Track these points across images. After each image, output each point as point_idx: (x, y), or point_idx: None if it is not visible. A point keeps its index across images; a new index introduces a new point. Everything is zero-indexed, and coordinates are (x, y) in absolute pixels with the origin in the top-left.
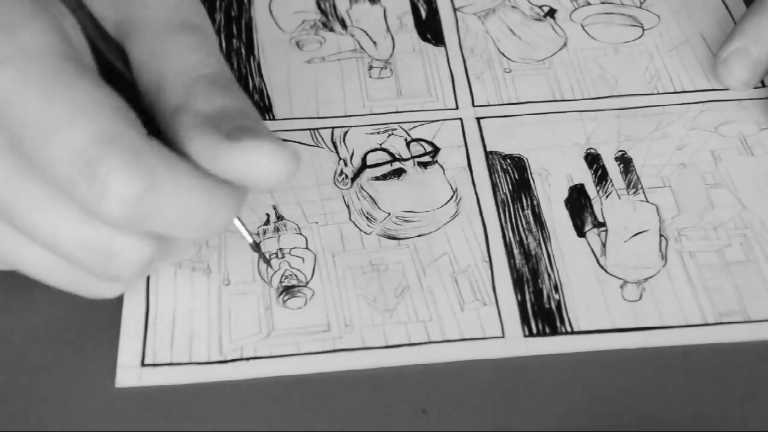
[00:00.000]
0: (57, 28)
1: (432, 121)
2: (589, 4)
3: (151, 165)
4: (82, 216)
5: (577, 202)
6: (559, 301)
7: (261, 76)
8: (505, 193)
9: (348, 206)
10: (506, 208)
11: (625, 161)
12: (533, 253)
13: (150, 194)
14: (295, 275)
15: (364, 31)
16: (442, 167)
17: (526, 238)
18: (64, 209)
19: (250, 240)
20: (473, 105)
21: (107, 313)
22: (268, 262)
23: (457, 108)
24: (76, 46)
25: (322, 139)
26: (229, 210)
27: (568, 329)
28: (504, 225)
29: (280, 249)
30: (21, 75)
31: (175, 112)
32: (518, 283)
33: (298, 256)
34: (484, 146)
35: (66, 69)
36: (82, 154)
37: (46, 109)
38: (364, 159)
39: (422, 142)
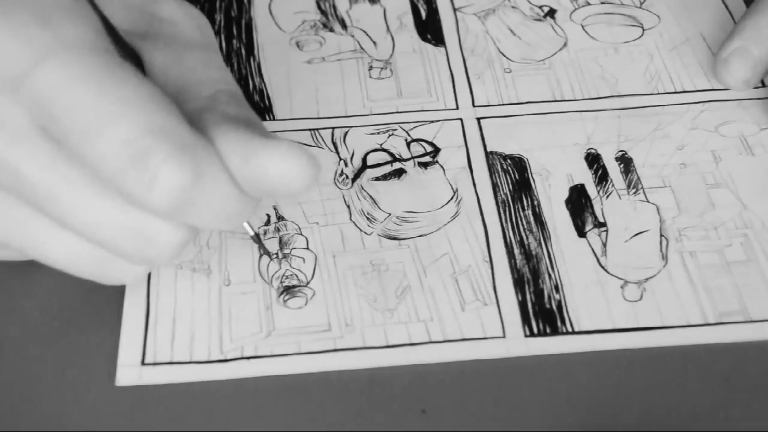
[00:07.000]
0: (93, 22)
1: (432, 122)
2: (589, 4)
3: (197, 157)
4: (122, 204)
5: (578, 202)
6: (559, 301)
7: (261, 76)
8: (505, 194)
9: (348, 207)
10: (507, 208)
11: (625, 161)
12: (534, 253)
13: (195, 185)
14: (296, 275)
15: (364, 32)
16: (442, 167)
17: (527, 238)
18: (104, 197)
19: (252, 232)
20: (473, 105)
21: (107, 313)
22: (268, 253)
23: (458, 108)
24: (108, 40)
25: (323, 140)
26: (253, 204)
27: (569, 329)
28: (504, 225)
29: (281, 249)
30: (68, 68)
31: (201, 111)
32: (519, 283)
33: (299, 257)
34: (485, 146)
35: (109, 62)
36: (133, 146)
37: (97, 102)
38: (364, 159)
39: (422, 143)
